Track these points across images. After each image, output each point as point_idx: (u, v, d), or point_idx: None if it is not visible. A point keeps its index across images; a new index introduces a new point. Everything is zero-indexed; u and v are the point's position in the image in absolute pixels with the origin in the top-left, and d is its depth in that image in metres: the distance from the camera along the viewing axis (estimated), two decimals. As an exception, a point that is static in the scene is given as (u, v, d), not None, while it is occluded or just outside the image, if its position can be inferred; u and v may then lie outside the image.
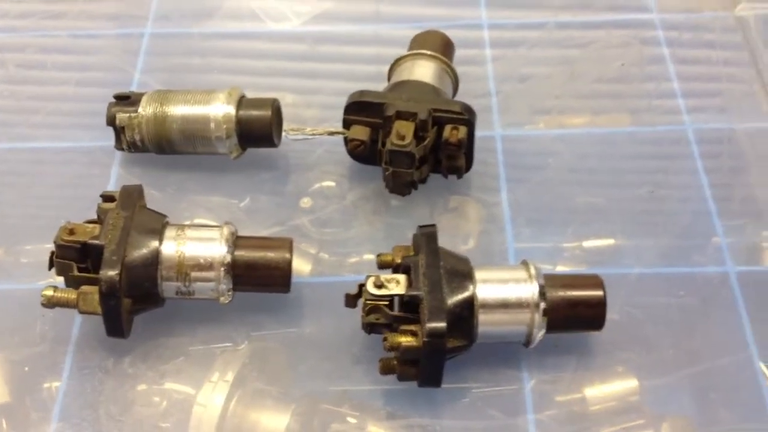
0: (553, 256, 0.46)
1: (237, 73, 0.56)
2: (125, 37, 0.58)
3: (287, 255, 0.41)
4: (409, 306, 0.38)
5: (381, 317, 0.38)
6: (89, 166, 0.51)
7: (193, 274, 0.40)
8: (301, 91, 0.54)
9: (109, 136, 0.49)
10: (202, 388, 0.41)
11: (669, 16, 0.57)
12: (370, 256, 0.45)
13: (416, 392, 0.40)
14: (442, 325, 0.36)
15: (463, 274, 0.39)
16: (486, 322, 0.38)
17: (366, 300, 0.38)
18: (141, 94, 0.48)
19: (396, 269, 0.40)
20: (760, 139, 0.50)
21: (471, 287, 0.38)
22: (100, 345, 0.42)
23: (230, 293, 0.41)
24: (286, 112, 0.49)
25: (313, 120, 0.52)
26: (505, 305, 0.38)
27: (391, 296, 0.38)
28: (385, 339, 0.38)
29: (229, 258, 0.40)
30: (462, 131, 0.44)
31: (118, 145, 0.49)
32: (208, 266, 0.40)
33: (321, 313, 0.44)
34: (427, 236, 0.40)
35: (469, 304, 0.38)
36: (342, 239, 0.47)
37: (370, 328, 0.39)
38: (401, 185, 0.46)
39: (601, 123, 0.52)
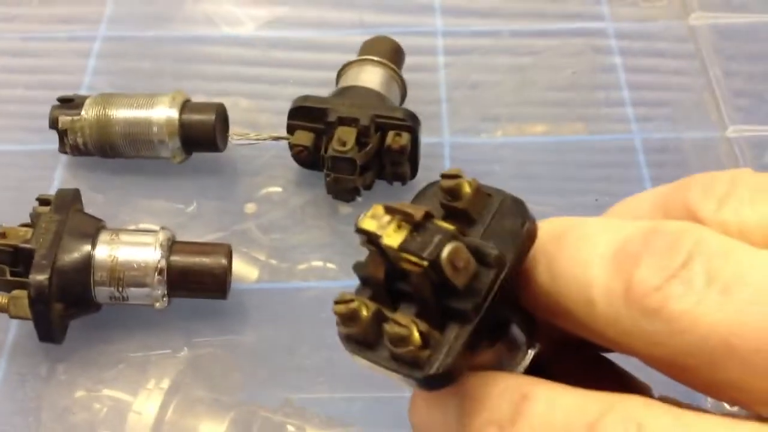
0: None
1: (191, 77, 0.55)
2: (77, 40, 0.57)
3: (223, 261, 0.40)
4: None
5: None
6: (33, 169, 0.50)
7: (127, 279, 0.39)
8: (255, 96, 0.54)
9: (55, 140, 0.48)
10: (138, 396, 0.40)
11: (622, 25, 0.57)
12: (319, 263, 0.45)
13: (356, 400, 0.40)
14: None
15: None
16: None
17: None
18: (85, 97, 0.47)
19: None
20: (705, 149, 0.50)
21: None
22: (35, 351, 0.41)
23: (165, 299, 0.40)
24: (240, 117, 0.49)
25: (268, 125, 0.51)
26: None
27: None
28: None
29: (163, 263, 0.40)
30: (405, 138, 0.44)
31: (62, 148, 0.48)
32: (142, 271, 0.39)
33: (264, 321, 0.43)
34: None
35: None
36: (289, 245, 0.46)
37: None
38: (344, 191, 0.45)
39: (549, 131, 0.52)
